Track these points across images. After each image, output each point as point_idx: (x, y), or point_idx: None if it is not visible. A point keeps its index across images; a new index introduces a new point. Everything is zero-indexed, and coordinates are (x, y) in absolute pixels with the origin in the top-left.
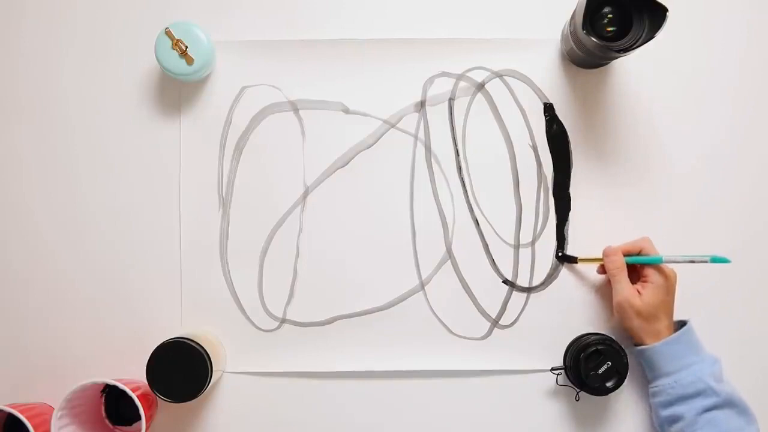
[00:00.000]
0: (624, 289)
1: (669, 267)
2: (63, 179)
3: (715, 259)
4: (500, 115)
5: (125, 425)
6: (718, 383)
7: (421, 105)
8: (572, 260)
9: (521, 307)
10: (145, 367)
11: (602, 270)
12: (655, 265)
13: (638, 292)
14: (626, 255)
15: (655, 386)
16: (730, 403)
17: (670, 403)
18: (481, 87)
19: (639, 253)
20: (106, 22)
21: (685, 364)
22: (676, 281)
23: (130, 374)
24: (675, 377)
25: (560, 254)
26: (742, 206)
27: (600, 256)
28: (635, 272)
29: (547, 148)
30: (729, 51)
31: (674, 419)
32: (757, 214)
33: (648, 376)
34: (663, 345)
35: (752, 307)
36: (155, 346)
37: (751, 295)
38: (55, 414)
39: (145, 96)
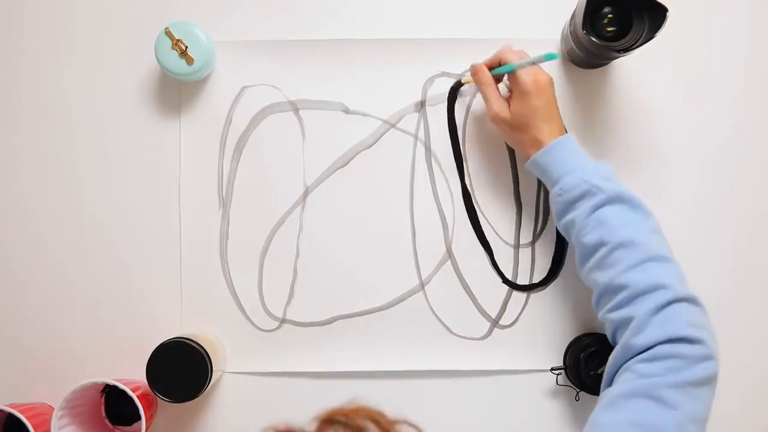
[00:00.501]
0: (493, 104)
1: (538, 72)
2: (63, 179)
3: (547, 57)
4: None
5: (125, 425)
6: (604, 181)
7: (421, 105)
8: (459, 85)
9: (521, 307)
10: (145, 367)
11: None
12: (515, 72)
13: (509, 104)
14: (491, 69)
15: (550, 198)
16: (619, 199)
17: (562, 213)
18: None
19: (500, 65)
20: (106, 22)
21: (567, 169)
22: (549, 85)
23: (130, 374)
24: (560, 184)
25: (452, 86)
26: (742, 206)
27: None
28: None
29: None
30: (729, 51)
31: (569, 226)
32: (758, 214)
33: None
34: (541, 155)
35: (754, 308)
36: (155, 346)
37: (753, 296)
38: (55, 414)
39: (145, 96)
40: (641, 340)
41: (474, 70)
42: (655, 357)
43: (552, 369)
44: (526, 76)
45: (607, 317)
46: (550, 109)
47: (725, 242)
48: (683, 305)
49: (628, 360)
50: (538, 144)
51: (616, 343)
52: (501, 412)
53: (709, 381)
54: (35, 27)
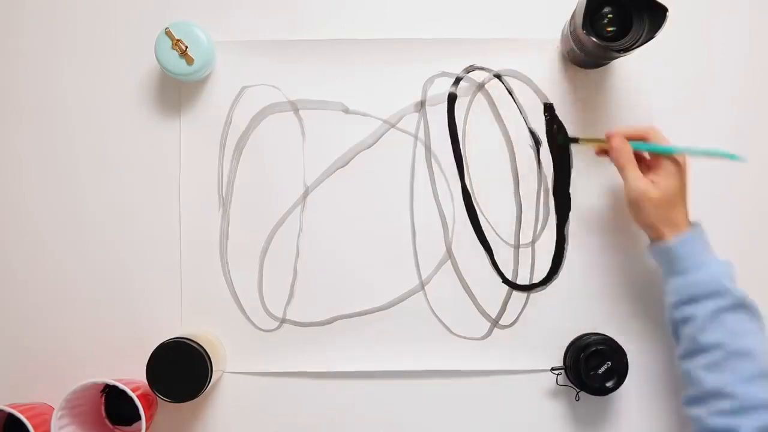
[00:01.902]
0: (638, 179)
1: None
2: (63, 179)
3: (731, 156)
4: (500, 115)
5: (125, 425)
6: (732, 283)
7: (421, 105)
8: (573, 140)
9: (521, 307)
10: (145, 367)
11: (600, 151)
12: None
13: (652, 181)
14: (629, 140)
15: (670, 285)
16: (742, 306)
17: (683, 303)
18: (481, 87)
19: (643, 141)
20: (106, 22)
21: (699, 262)
22: (687, 167)
23: (130, 374)
24: (689, 277)
25: (560, 137)
26: (742, 206)
27: (601, 138)
28: (640, 161)
29: (547, 147)
30: (729, 51)
31: (685, 319)
32: (758, 214)
33: (663, 274)
34: (681, 243)
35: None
36: (155, 346)
37: (753, 296)
38: (55, 414)
39: (145, 96)
40: None
41: (614, 143)
42: None
43: (552, 369)
44: (681, 156)
45: (704, 418)
46: (687, 190)
47: (725, 242)
48: None
49: None
50: (676, 225)
51: None
52: (501, 412)
53: None
54: (35, 27)
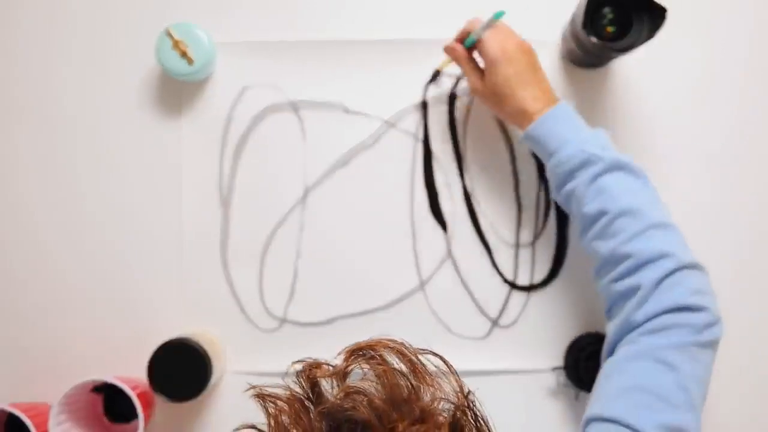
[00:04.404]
0: (470, 79)
1: (506, 39)
2: (64, 180)
3: (496, 15)
4: None
5: (124, 423)
6: (602, 149)
7: (422, 105)
8: (437, 74)
9: (521, 307)
10: (145, 367)
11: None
12: (482, 41)
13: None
14: (463, 42)
15: (547, 169)
16: (618, 166)
17: (562, 184)
18: None
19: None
20: (107, 22)
21: (563, 140)
22: (521, 51)
23: (131, 374)
24: (557, 156)
25: (430, 79)
26: (743, 205)
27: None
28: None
29: None
30: (729, 50)
31: (568, 196)
32: (759, 214)
33: (542, 160)
34: (534, 127)
35: (756, 309)
36: (156, 347)
37: (754, 297)
38: (53, 410)
39: (146, 97)
40: (646, 310)
41: (448, 49)
42: (660, 328)
43: (552, 369)
44: (491, 44)
45: (609, 287)
46: (526, 76)
47: (726, 242)
48: (687, 272)
49: (631, 331)
50: (524, 114)
51: (611, 314)
52: (501, 412)
53: (714, 344)
54: (36, 28)
